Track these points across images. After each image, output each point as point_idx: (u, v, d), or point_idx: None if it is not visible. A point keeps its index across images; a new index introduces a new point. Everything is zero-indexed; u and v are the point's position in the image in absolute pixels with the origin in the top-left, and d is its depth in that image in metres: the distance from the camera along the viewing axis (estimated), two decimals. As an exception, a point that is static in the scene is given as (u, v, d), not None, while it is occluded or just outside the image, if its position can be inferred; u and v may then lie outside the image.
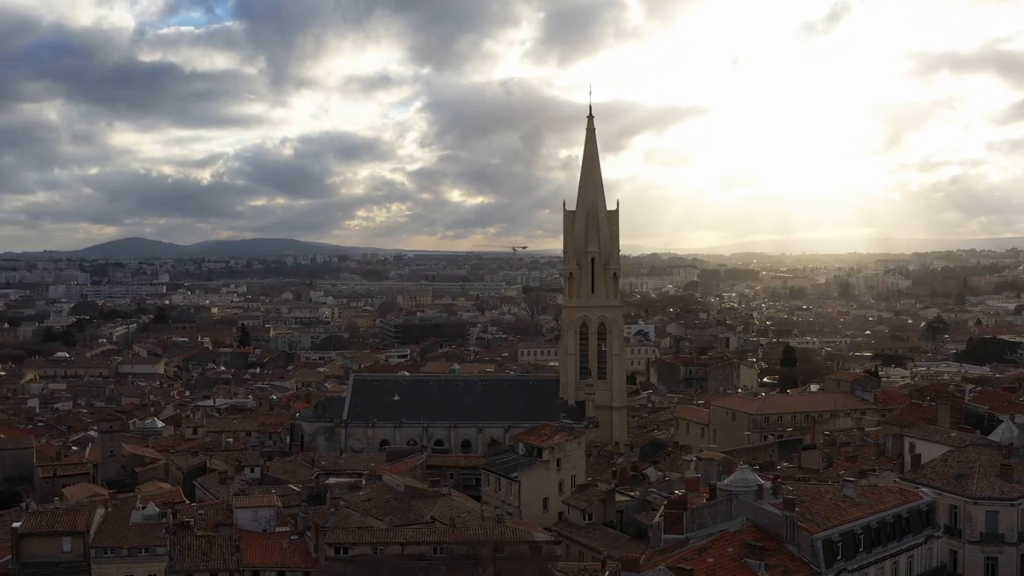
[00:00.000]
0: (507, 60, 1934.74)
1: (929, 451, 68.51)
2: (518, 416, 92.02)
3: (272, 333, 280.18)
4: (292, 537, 60.77)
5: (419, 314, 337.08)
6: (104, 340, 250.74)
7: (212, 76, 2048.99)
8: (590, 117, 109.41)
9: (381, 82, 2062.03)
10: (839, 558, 47.71)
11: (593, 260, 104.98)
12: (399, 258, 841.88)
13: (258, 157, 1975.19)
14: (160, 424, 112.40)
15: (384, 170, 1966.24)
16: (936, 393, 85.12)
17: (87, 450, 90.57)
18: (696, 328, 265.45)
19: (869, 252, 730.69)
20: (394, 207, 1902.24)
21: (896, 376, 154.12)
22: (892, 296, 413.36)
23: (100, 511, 60.26)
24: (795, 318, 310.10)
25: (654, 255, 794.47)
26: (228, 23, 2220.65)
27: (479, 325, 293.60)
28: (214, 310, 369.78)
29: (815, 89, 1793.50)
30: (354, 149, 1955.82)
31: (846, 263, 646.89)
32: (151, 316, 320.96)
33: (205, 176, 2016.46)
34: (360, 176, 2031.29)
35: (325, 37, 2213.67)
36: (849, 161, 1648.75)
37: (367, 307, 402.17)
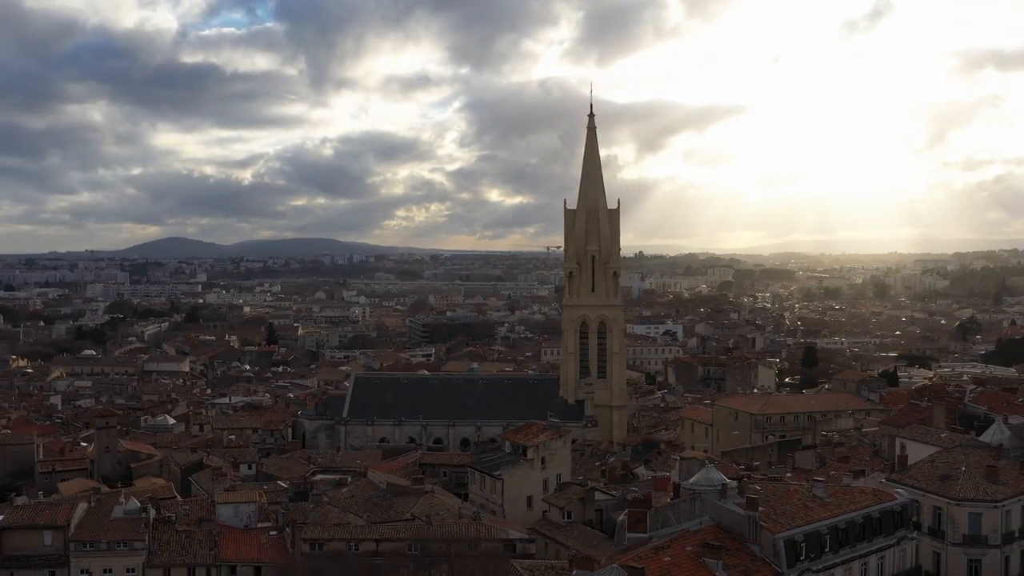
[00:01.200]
0: (546, 60, 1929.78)
1: (920, 452, 67.64)
2: (517, 415, 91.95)
3: (300, 332, 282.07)
4: (271, 533, 61.30)
5: (448, 314, 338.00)
6: (134, 339, 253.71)
7: (253, 77, 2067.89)
8: (591, 116, 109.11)
9: (420, 82, 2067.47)
10: (802, 558, 47.18)
11: (593, 259, 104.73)
12: (435, 258, 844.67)
13: (298, 157, 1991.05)
14: (171, 421, 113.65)
15: (423, 170, 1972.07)
16: (935, 394, 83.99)
17: (91, 447, 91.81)
18: (725, 328, 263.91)
19: (910, 252, 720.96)
20: (433, 207, 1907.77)
21: (918, 377, 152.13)
22: (928, 296, 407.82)
23: (83, 506, 61.11)
24: (827, 318, 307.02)
25: (691, 255, 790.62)
26: (269, 24, 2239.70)
27: (506, 325, 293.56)
28: (246, 309, 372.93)
29: (857, 87, 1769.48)
30: (393, 149, 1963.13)
31: (886, 263, 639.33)
32: (183, 315, 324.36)
33: (246, 176, 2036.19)
34: (399, 176, 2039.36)
35: (365, 37, 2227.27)
36: (891, 160, 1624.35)
37: (398, 307, 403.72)
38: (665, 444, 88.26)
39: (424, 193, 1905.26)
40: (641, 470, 72.80)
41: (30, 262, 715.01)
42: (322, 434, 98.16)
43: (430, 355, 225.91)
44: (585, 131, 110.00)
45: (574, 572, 43.72)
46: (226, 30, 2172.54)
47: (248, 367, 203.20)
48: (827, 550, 48.91)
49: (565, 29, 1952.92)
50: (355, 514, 62.55)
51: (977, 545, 58.06)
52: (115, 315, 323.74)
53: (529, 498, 69.52)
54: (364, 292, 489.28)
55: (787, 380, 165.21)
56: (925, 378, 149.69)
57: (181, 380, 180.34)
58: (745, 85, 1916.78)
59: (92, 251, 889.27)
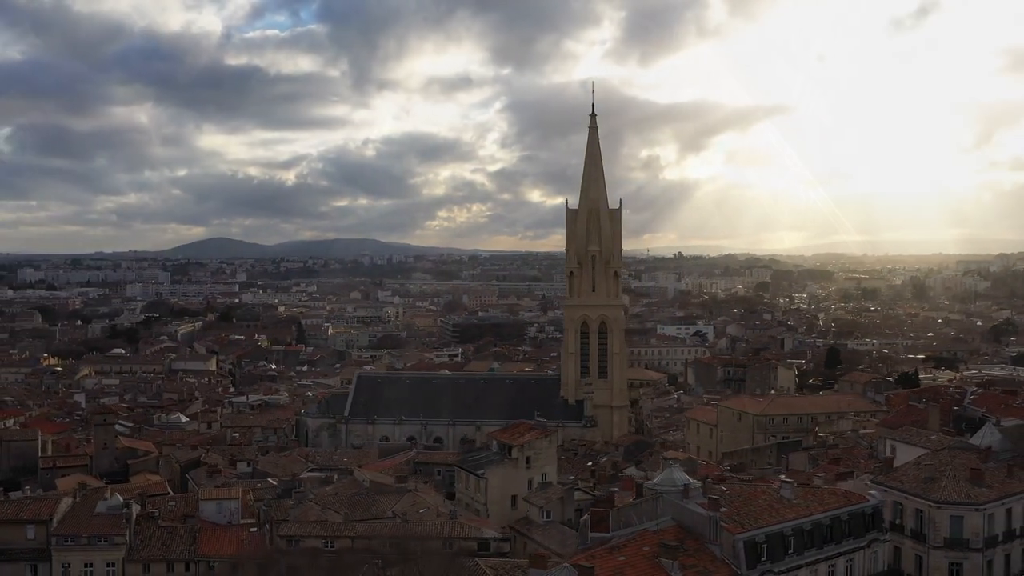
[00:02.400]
0: (588, 60, 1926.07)
1: (911, 454, 66.89)
2: (518, 415, 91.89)
3: (330, 332, 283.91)
4: (251, 529, 61.96)
5: (480, 314, 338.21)
6: (166, 337, 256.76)
7: (296, 79, 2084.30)
8: (592, 116, 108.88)
9: (462, 83, 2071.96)
10: (764, 559, 46.88)
11: (594, 259, 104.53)
12: (474, 258, 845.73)
13: (341, 158, 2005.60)
14: (184, 419, 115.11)
15: (465, 171, 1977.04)
16: (933, 395, 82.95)
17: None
18: (756, 329, 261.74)
19: (953, 253, 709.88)
20: (475, 207, 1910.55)
21: (943, 379, 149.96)
22: (968, 298, 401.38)
23: (66, 501, 62.16)
24: (861, 320, 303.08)
25: (729, 256, 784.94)
26: (312, 26, 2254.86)
27: (536, 325, 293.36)
28: (280, 309, 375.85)
29: (903, 86, 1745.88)
30: (435, 150, 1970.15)
31: (928, 264, 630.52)
32: (216, 315, 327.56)
33: (289, 177, 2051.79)
34: (441, 177, 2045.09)
35: (407, 39, 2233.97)
36: (937, 160, 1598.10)
37: (432, 307, 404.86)
38: (659, 444, 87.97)
39: (465, 194, 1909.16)
40: (632, 470, 72.56)
41: (75, 262, 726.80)
42: (324, 433, 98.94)
43: (456, 355, 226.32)
44: (587, 131, 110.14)
45: (530, 571, 43.76)
46: (270, 32, 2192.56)
47: (274, 366, 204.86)
48: (791, 551, 48.52)
49: (607, 29, 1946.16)
50: (336, 511, 62.95)
51: (959, 548, 57.27)
52: (151, 315, 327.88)
53: (514, 497, 69.47)
54: (399, 292, 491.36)
55: (810, 381, 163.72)
56: (948, 380, 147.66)
57: (206, 379, 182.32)
58: (789, 84, 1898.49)
59: (135, 251, 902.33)
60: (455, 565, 51.90)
